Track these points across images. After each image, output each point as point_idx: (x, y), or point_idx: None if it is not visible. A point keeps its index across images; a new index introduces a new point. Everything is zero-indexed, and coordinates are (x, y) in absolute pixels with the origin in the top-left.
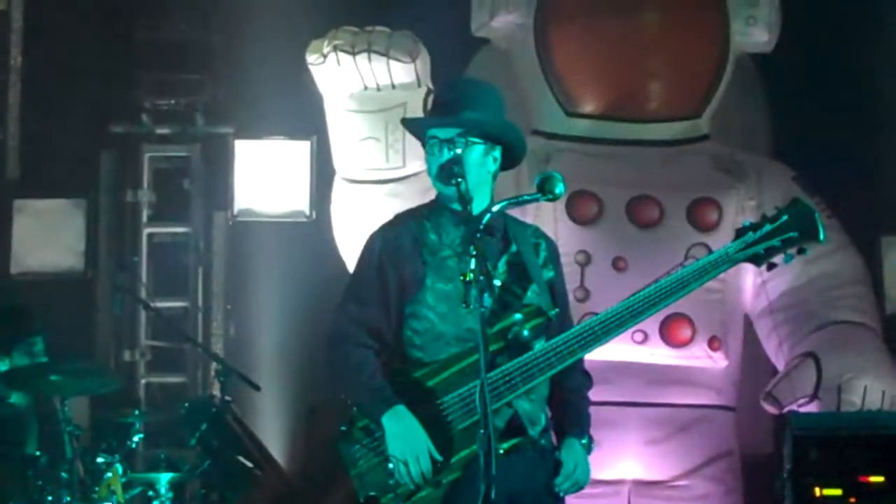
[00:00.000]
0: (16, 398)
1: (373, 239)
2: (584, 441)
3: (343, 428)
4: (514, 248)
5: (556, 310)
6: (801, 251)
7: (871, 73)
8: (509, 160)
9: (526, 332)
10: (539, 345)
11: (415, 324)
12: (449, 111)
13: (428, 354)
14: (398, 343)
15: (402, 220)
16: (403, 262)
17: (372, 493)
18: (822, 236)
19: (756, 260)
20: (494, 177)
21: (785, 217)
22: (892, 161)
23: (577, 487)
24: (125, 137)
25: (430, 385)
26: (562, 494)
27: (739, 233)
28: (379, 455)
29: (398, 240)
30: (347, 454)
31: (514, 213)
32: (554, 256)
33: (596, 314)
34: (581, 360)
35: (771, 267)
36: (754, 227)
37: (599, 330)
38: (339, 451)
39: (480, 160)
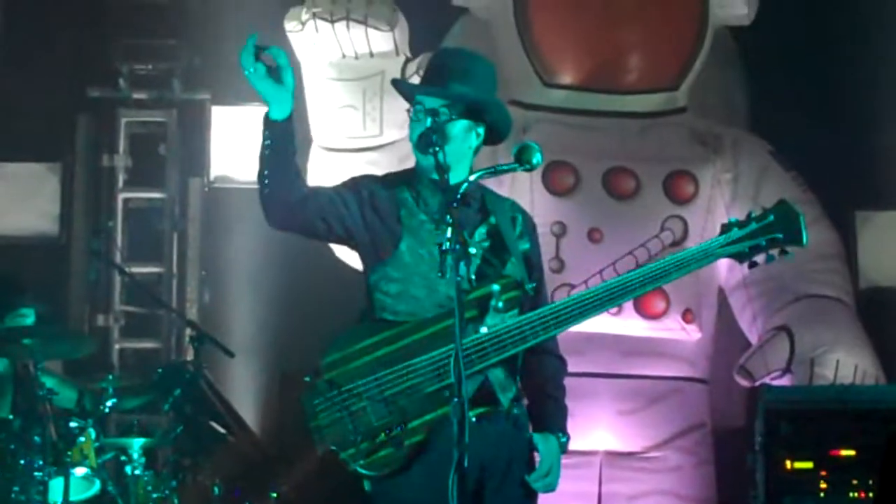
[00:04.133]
0: None
1: (357, 179)
2: (563, 440)
3: (307, 378)
4: (492, 219)
5: (534, 283)
6: (783, 252)
7: (849, 48)
8: (494, 137)
9: (501, 304)
10: (512, 317)
11: (387, 286)
12: (440, 80)
13: (400, 316)
14: (369, 307)
15: (382, 178)
16: (381, 214)
17: (332, 447)
18: (805, 240)
19: (739, 257)
20: (476, 152)
21: (771, 217)
22: (868, 136)
23: (548, 490)
24: (101, 102)
25: (401, 344)
26: (532, 487)
27: (724, 228)
28: (342, 410)
29: (380, 192)
30: (309, 405)
31: (491, 182)
32: (530, 230)
33: (571, 284)
34: (556, 344)
35: (753, 265)
36: (740, 224)
37: (576, 309)
38: (301, 401)
39: (463, 135)
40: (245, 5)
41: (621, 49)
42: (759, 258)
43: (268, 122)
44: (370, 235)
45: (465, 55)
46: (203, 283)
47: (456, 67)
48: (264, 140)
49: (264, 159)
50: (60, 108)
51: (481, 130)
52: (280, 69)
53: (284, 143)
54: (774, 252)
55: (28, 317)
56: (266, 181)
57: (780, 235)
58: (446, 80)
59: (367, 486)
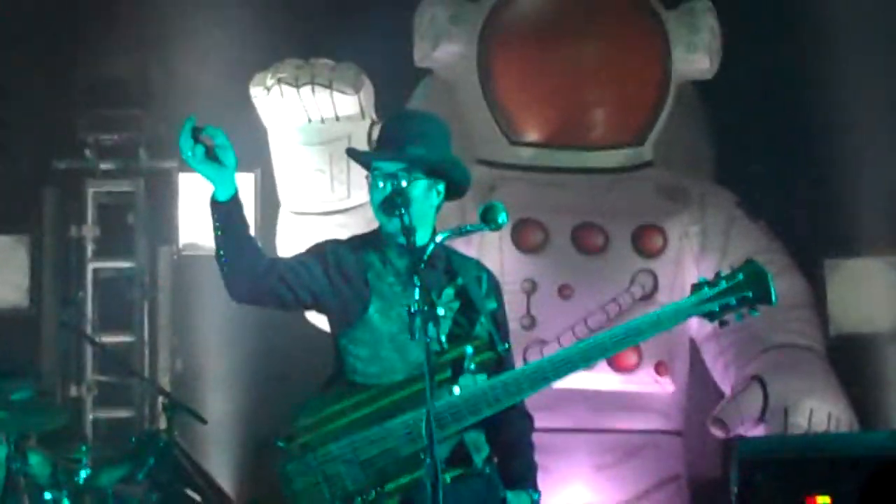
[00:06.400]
0: None
1: (321, 245)
2: (535, 496)
3: (281, 444)
4: (459, 280)
5: (506, 345)
6: (752, 311)
7: (814, 95)
8: (454, 193)
9: (473, 366)
10: (482, 378)
11: (357, 349)
12: (394, 145)
13: (371, 379)
14: (340, 370)
15: (347, 241)
16: (348, 278)
17: None
18: (774, 300)
19: (710, 316)
20: (437, 210)
21: (740, 276)
22: (834, 185)
23: None
24: (68, 173)
25: (375, 407)
26: None
27: (695, 288)
28: (317, 474)
29: (345, 256)
30: (283, 471)
31: (460, 242)
32: (495, 288)
33: (543, 341)
34: (523, 402)
35: (723, 324)
36: (710, 284)
37: (550, 371)
38: (275, 467)
39: (424, 194)
40: (209, 73)
41: (586, 106)
42: (729, 317)
43: (214, 203)
44: (338, 300)
45: (418, 117)
46: (175, 351)
47: (410, 130)
48: (214, 222)
49: (218, 240)
50: (27, 180)
51: (441, 188)
52: (218, 149)
53: (234, 221)
54: (743, 311)
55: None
56: (224, 259)
57: (750, 294)
58: (402, 144)
59: None
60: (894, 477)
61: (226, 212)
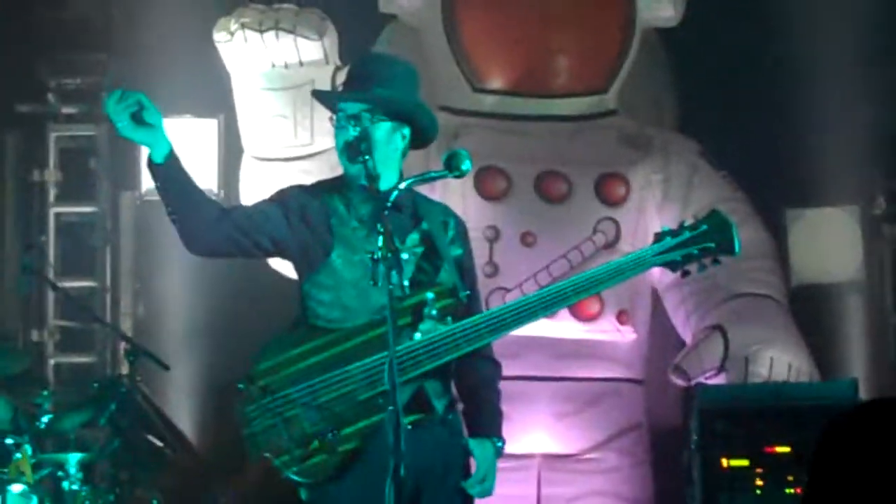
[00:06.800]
0: None
1: (284, 191)
2: (499, 444)
3: (241, 386)
4: (424, 225)
5: (468, 292)
6: (714, 261)
7: (776, 47)
8: (421, 139)
9: (434, 312)
10: (444, 325)
11: (319, 294)
12: (360, 86)
13: (333, 324)
14: (302, 315)
15: (312, 187)
16: (311, 224)
17: (266, 455)
18: (737, 250)
19: (672, 266)
20: (403, 154)
21: (704, 227)
22: (796, 134)
23: (485, 495)
24: (30, 117)
25: (334, 351)
26: (468, 493)
27: (658, 237)
28: (275, 416)
29: (309, 202)
30: (242, 413)
31: (423, 189)
32: (461, 234)
33: (505, 289)
34: (490, 348)
35: (685, 274)
36: (673, 233)
37: (510, 318)
38: (235, 409)
39: (387, 137)
40: (171, 16)
41: (550, 53)
42: (691, 267)
43: (152, 166)
44: (299, 246)
45: (386, 60)
46: (137, 296)
47: (377, 72)
48: (156, 183)
49: (164, 199)
50: None
51: (406, 132)
52: (144, 111)
53: (175, 177)
54: (707, 261)
55: None
56: (174, 216)
57: (713, 245)
58: (368, 85)
59: (302, 494)
60: (849, 427)
61: (164, 170)
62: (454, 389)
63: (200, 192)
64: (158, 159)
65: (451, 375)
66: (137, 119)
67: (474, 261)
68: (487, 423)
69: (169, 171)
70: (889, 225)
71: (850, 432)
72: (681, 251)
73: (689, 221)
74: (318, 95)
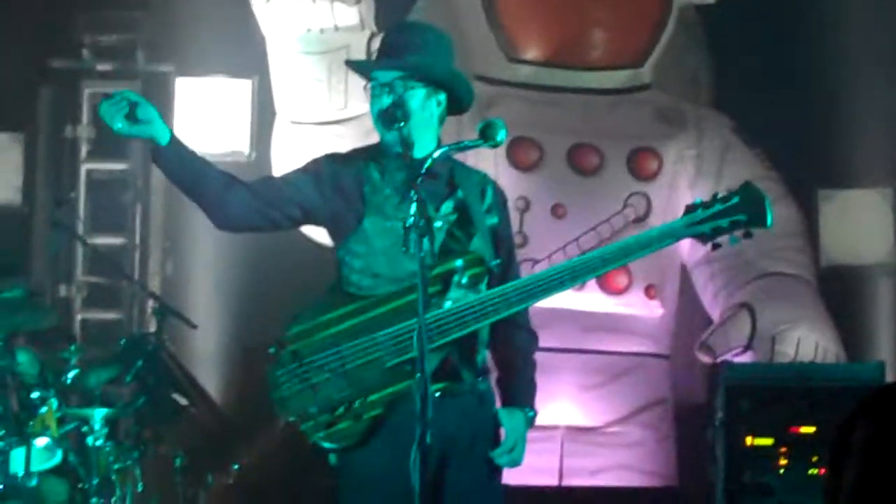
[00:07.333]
0: None
1: (318, 159)
2: (530, 414)
3: (271, 350)
4: (459, 193)
5: (498, 260)
6: (747, 234)
7: (813, 26)
8: (456, 106)
9: (465, 280)
10: (475, 294)
11: (352, 262)
12: (394, 54)
13: (364, 291)
14: (337, 281)
15: (346, 155)
16: (344, 192)
17: (293, 419)
18: (769, 222)
19: (702, 238)
20: (440, 121)
21: (736, 199)
22: (830, 115)
23: (514, 465)
24: (65, 73)
25: (364, 318)
26: (496, 462)
27: (689, 209)
28: (304, 381)
29: (342, 170)
30: (272, 377)
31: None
32: (499, 203)
33: (535, 260)
34: (527, 318)
35: (716, 247)
36: (704, 206)
37: (538, 288)
38: (265, 372)
39: (421, 104)
40: None
41: (587, 25)
42: (722, 240)
43: (157, 155)
44: (331, 215)
45: (420, 28)
46: (166, 254)
47: (410, 40)
48: (166, 174)
49: (178, 184)
50: (23, 80)
51: (442, 98)
52: (136, 108)
53: (181, 163)
54: (738, 234)
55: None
56: (193, 197)
57: (744, 217)
58: (401, 53)
59: (332, 459)
60: (872, 408)
61: (169, 156)
62: (489, 358)
63: (215, 171)
64: (163, 142)
65: (484, 344)
66: (132, 117)
67: (511, 229)
68: (520, 392)
69: (172, 156)
70: None
71: (877, 413)
72: (711, 223)
73: (721, 193)
74: (352, 64)
